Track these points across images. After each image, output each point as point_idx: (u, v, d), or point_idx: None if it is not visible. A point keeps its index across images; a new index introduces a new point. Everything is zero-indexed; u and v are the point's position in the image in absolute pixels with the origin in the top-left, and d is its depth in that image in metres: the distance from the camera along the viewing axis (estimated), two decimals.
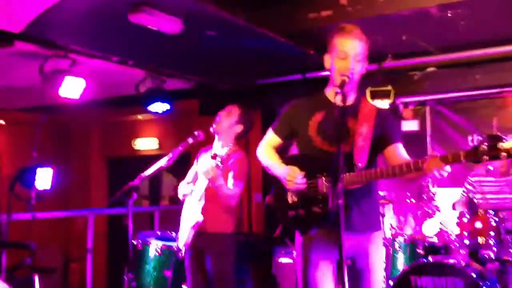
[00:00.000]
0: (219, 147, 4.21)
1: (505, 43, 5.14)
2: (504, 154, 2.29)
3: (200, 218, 4.01)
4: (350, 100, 2.87)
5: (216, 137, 4.25)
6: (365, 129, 2.80)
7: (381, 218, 3.06)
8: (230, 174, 4.08)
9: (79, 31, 4.72)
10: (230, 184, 4.05)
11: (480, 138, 5.80)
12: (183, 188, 4.36)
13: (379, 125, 2.83)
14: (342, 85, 2.71)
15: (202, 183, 4.05)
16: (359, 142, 2.78)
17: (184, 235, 4.15)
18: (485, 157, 2.33)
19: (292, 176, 2.82)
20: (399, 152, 2.82)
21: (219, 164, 3.80)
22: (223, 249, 4.11)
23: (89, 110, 7.50)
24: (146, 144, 8.44)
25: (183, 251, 4.29)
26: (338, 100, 2.77)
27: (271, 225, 7.07)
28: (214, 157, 3.80)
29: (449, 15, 4.38)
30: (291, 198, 2.89)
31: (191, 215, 4.09)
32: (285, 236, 6.07)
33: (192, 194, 4.18)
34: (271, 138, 3.11)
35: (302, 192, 2.83)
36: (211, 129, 4.21)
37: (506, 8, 4.34)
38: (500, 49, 5.20)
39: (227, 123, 4.19)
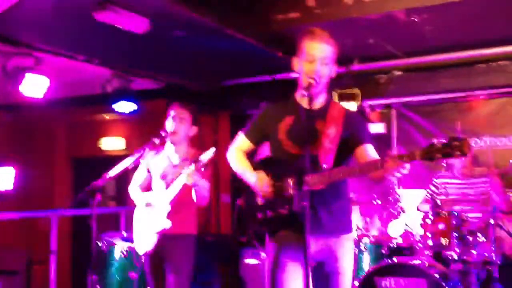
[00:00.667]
0: (173, 151, 4.16)
1: (469, 48, 5.25)
2: (457, 152, 2.32)
3: (168, 224, 3.95)
4: (320, 102, 2.91)
5: (169, 140, 4.15)
6: (332, 131, 2.83)
7: (352, 221, 3.04)
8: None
9: (43, 29, 4.63)
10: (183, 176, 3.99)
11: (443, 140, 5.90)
12: (139, 195, 4.24)
13: (347, 127, 2.85)
14: (308, 87, 2.75)
15: (172, 189, 3.98)
16: (325, 144, 2.80)
17: (145, 242, 4.08)
18: (438, 155, 2.35)
19: (260, 183, 2.86)
20: (368, 153, 2.84)
21: (202, 169, 3.78)
22: (185, 250, 4.07)
23: (53, 108, 7.36)
24: (112, 144, 8.31)
25: (143, 258, 4.21)
26: (304, 104, 2.82)
27: (239, 226, 7.07)
28: (196, 162, 3.77)
29: (415, 19, 4.44)
30: (260, 200, 2.90)
31: (154, 220, 4.02)
32: (253, 237, 6.07)
33: (154, 202, 4.10)
34: (242, 143, 3.11)
35: (269, 194, 2.85)
36: (164, 134, 4.07)
37: (470, 14, 4.42)
38: (464, 54, 5.31)
39: (183, 129, 4.10)
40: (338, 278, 2.90)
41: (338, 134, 2.82)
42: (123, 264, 4.90)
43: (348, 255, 2.95)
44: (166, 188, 4.02)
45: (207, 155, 3.88)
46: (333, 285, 2.90)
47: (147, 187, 4.33)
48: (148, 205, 4.11)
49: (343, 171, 2.69)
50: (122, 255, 4.88)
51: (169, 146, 4.18)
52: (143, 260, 4.29)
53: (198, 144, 7.29)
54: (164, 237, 3.99)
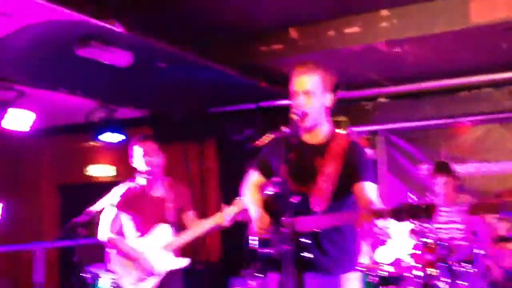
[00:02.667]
0: (149, 184, 4.09)
1: (452, 76, 5.29)
2: (423, 215, 2.40)
3: (185, 261, 3.96)
4: (322, 136, 2.84)
5: (139, 174, 4.08)
6: (330, 169, 2.75)
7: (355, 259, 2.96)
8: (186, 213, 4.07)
9: (25, 63, 4.62)
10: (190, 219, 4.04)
11: (429, 167, 5.91)
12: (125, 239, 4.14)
13: (348, 162, 2.75)
14: (295, 123, 2.69)
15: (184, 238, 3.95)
16: (320, 184, 2.74)
17: (147, 280, 3.99)
18: (406, 216, 2.41)
19: (258, 221, 2.86)
20: (365, 191, 2.72)
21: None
22: (177, 285, 4.04)
23: (38, 138, 7.31)
24: (100, 170, 8.26)
25: None
26: (305, 139, 2.80)
27: (227, 254, 7.01)
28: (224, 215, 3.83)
29: (397, 50, 4.46)
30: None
31: (164, 259, 3.96)
32: (243, 266, 6.00)
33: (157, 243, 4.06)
34: (256, 179, 3.08)
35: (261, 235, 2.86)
36: (144, 170, 4.01)
37: (450, 45, 4.46)
38: (448, 82, 5.35)
39: (156, 161, 4.02)
40: None
41: (337, 172, 2.74)
42: None
43: None
44: (174, 231, 3.98)
45: (231, 211, 3.84)
46: None
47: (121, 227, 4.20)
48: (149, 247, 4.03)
49: (327, 219, 2.67)
50: (112, 287, 4.82)
51: (140, 180, 4.10)
52: None
53: (184, 171, 7.32)
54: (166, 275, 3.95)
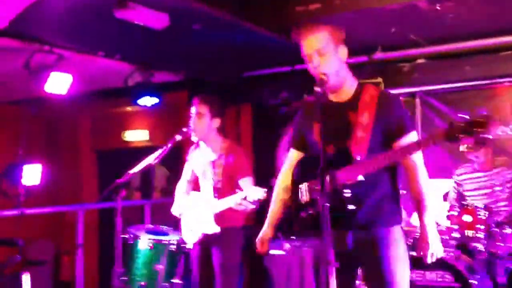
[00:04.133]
0: (209, 150, 4.16)
1: (493, 35, 5.14)
2: (480, 129, 2.27)
3: (217, 229, 3.97)
4: (348, 92, 2.80)
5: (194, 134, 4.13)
6: (365, 119, 2.69)
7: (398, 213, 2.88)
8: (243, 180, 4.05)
9: (64, 26, 4.66)
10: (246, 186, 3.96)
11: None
12: (183, 194, 4.31)
13: (382, 116, 2.70)
14: (321, 84, 2.64)
15: (221, 204, 3.91)
16: (357, 134, 2.69)
17: (193, 235, 4.12)
18: (462, 135, 2.31)
19: (258, 242, 3.13)
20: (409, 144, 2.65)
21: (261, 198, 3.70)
22: (231, 243, 4.09)
23: (77, 103, 7.43)
24: (136, 136, 8.39)
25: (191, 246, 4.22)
26: (333, 98, 2.76)
27: (262, 217, 7.08)
28: (244, 199, 3.72)
29: (437, 8, 4.36)
30: (303, 199, 2.81)
31: (203, 220, 4.03)
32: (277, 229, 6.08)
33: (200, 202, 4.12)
34: (292, 156, 3.03)
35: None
36: (186, 130, 4.05)
37: (491, 2, 4.32)
38: (488, 41, 5.20)
39: (202, 125, 4.06)
40: (381, 273, 2.74)
41: (371, 121, 2.68)
42: (148, 257, 4.95)
43: (392, 249, 2.77)
44: (215, 192, 4.02)
45: (255, 195, 3.72)
46: (371, 278, 2.81)
47: (195, 183, 4.36)
48: (196, 202, 4.12)
49: (373, 160, 2.59)
50: (148, 248, 4.94)
51: (203, 146, 4.19)
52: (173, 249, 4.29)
53: (220, 134, 7.37)
54: (211, 235, 4.03)
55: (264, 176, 6.72)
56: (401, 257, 2.78)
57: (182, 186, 4.35)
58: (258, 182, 6.92)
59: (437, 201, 5.32)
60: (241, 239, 4.12)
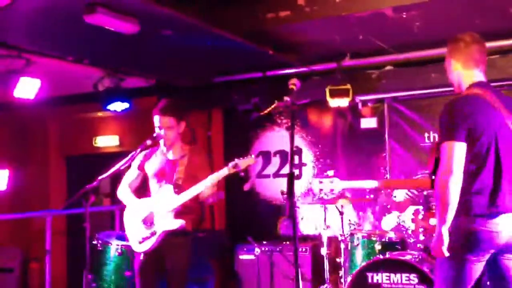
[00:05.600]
0: (170, 152, 4.17)
1: None
2: None
3: (180, 222, 3.96)
4: None
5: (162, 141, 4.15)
6: None
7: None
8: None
9: (33, 31, 4.63)
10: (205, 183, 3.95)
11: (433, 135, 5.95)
12: (128, 195, 4.24)
13: None
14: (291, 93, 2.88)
15: (185, 195, 3.93)
16: None
17: (146, 241, 4.08)
18: None
19: None
20: None
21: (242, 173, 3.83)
22: (181, 247, 4.08)
23: (46, 108, 7.36)
24: (106, 141, 8.32)
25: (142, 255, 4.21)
26: None
27: (233, 222, 7.11)
28: (235, 167, 3.82)
29: (403, 16, 4.46)
30: None
31: (162, 220, 4.02)
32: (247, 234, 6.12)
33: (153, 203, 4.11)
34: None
35: None
36: (156, 135, 4.08)
37: (458, 9, 4.45)
38: None
39: (173, 134, 4.09)
40: None
41: None
42: (118, 263, 4.93)
43: None
44: (175, 188, 4.00)
45: (246, 162, 3.87)
46: None
47: (138, 188, 4.34)
48: (149, 207, 4.10)
49: None
50: (117, 254, 4.91)
51: (163, 146, 4.20)
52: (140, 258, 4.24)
53: (190, 140, 7.37)
54: (165, 236, 4.00)
55: (235, 180, 6.78)
56: None
57: (125, 190, 4.28)
58: (229, 186, 7.00)
59: (405, 206, 5.42)
60: (190, 243, 4.12)
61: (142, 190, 4.31)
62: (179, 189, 3.99)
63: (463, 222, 2.86)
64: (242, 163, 3.89)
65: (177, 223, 3.97)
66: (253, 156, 3.98)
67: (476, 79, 3.09)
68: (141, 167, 4.27)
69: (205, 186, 3.87)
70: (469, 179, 2.88)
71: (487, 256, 2.90)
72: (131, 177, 4.30)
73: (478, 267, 2.91)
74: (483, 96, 2.96)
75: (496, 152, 2.91)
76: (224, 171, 3.90)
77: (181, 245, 4.07)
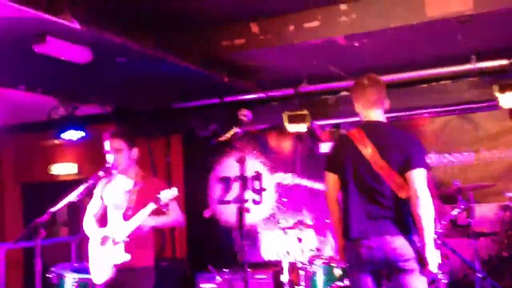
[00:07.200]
0: (124, 178, 4.10)
1: (410, 69, 5.39)
2: None
3: (126, 258, 3.86)
4: None
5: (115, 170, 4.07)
6: None
7: None
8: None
9: None
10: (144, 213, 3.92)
11: None
12: (93, 227, 4.16)
13: None
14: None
15: (131, 223, 3.86)
16: None
17: (102, 274, 3.98)
18: None
19: None
20: None
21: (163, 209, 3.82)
22: (139, 285, 3.97)
23: (1, 135, 7.19)
24: (64, 169, 8.16)
25: None
26: None
27: (194, 250, 7.02)
28: (156, 201, 3.82)
29: (355, 44, 4.53)
30: None
31: (111, 253, 3.93)
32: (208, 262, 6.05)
33: (110, 234, 4.01)
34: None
35: None
36: (111, 168, 3.99)
37: (408, 38, 4.54)
38: (406, 75, 5.44)
39: (122, 158, 4.00)
40: None
41: None
42: None
43: None
44: (124, 218, 3.92)
45: (167, 195, 3.84)
46: None
47: (102, 217, 4.24)
48: (104, 239, 4.01)
49: None
50: (73, 287, 4.78)
51: (119, 176, 4.12)
52: None
53: (150, 166, 7.29)
54: (122, 270, 3.88)
55: (195, 207, 6.72)
56: None
57: (89, 221, 4.22)
58: (189, 212, 6.94)
59: None
60: (151, 279, 4.01)
61: (105, 219, 4.22)
62: (127, 218, 3.92)
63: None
64: (165, 197, 3.84)
65: (123, 258, 3.86)
66: (175, 189, 3.92)
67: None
68: (100, 197, 4.17)
69: (145, 215, 3.82)
70: None
71: None
72: (94, 206, 4.20)
73: None
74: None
75: None
76: (151, 206, 3.84)
77: (136, 283, 3.93)
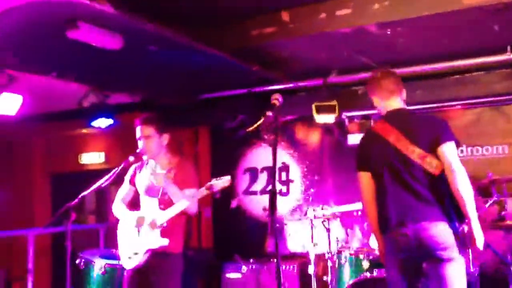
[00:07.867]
0: (158, 167, 4.12)
1: (443, 60, 5.29)
2: None
3: (165, 242, 3.89)
4: None
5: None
6: None
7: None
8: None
9: (16, 47, 4.58)
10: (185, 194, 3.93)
11: None
12: (123, 211, 4.19)
13: None
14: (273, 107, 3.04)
15: (171, 211, 3.88)
16: None
17: (135, 257, 4.01)
18: None
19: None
20: None
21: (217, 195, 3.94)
22: (171, 270, 3.98)
23: (31, 124, 7.28)
24: (92, 158, 8.25)
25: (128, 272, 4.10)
26: None
27: (220, 240, 7.04)
28: (209, 188, 3.85)
29: (388, 32, 4.46)
30: None
31: (149, 237, 3.96)
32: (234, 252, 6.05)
33: (143, 219, 4.04)
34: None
35: None
36: (139, 151, 4.04)
37: (442, 27, 4.46)
38: (438, 66, 5.34)
39: (152, 145, 4.04)
40: None
41: None
42: (101, 282, 4.84)
43: None
44: (161, 203, 3.94)
45: (221, 183, 3.86)
46: None
47: (131, 203, 4.28)
48: (140, 220, 4.02)
49: None
50: (101, 273, 4.83)
51: (151, 161, 4.14)
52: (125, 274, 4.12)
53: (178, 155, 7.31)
54: (156, 255, 3.92)
55: (222, 197, 6.72)
56: None
57: (119, 205, 4.24)
58: (216, 203, 6.95)
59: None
60: (181, 266, 4.03)
61: (135, 204, 4.25)
62: (164, 205, 3.94)
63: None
64: (217, 184, 3.87)
65: (160, 242, 3.89)
66: (229, 177, 3.93)
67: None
68: (132, 182, 4.22)
69: (188, 202, 3.84)
70: None
71: None
72: (123, 192, 4.26)
73: None
74: None
75: None
76: (202, 191, 3.88)
77: (168, 267, 3.96)
